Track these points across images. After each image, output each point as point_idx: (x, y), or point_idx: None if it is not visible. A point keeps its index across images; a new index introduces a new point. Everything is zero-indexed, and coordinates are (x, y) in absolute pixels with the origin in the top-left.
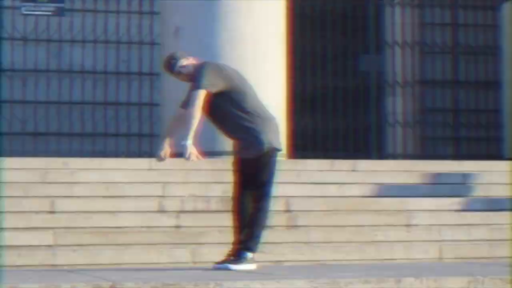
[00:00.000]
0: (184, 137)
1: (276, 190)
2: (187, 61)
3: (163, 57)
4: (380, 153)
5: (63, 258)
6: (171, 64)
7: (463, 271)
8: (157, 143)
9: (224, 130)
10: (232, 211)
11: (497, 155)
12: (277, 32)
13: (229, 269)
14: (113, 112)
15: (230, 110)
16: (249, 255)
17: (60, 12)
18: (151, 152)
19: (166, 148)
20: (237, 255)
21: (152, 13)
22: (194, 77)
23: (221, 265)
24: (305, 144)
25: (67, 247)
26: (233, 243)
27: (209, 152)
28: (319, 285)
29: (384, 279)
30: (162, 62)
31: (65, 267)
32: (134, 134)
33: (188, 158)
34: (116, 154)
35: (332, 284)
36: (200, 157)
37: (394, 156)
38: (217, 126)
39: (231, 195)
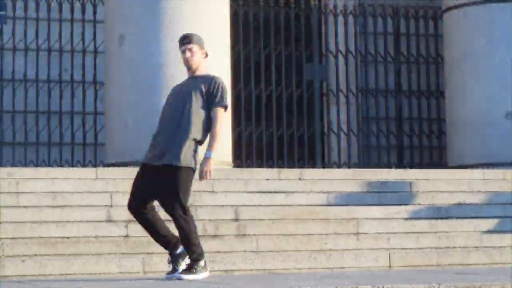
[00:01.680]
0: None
1: (225, 199)
2: (202, 52)
3: (107, 65)
4: (325, 162)
5: (12, 269)
6: (196, 38)
7: (417, 279)
8: (102, 151)
9: None
10: None
11: (439, 163)
12: (221, 40)
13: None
14: (57, 121)
15: None
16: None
17: (1, 20)
18: (96, 161)
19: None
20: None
21: (95, 21)
22: (219, 92)
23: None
24: (250, 153)
25: (15, 257)
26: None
27: None
28: None
29: None
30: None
31: (14, 278)
32: (79, 143)
33: (205, 174)
34: (60, 163)
35: None
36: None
37: (339, 165)
38: None
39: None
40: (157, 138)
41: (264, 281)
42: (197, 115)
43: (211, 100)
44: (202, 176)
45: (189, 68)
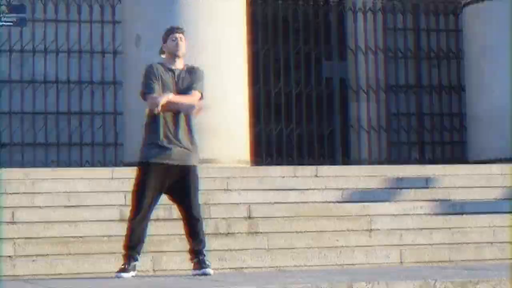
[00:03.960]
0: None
1: (239, 197)
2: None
3: (125, 65)
4: (345, 159)
5: (23, 269)
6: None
7: (417, 275)
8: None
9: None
10: None
11: (461, 159)
12: (239, 39)
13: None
14: (77, 122)
15: None
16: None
17: (21, 23)
18: (116, 161)
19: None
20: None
21: (113, 22)
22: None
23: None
24: (270, 151)
25: (27, 257)
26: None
27: None
28: None
29: (335, 284)
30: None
31: (26, 278)
32: (99, 143)
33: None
34: (80, 163)
35: None
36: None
37: (359, 162)
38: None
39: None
40: None
41: (265, 278)
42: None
43: None
44: None
45: (177, 54)
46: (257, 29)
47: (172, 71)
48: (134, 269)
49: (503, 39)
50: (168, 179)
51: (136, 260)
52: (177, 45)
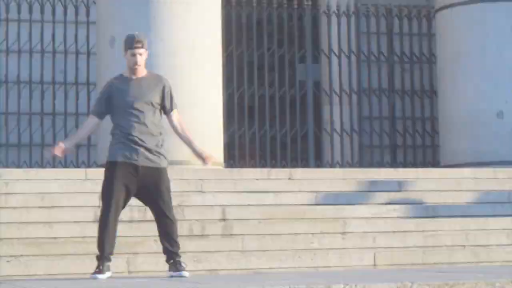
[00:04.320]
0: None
1: (213, 199)
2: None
3: (99, 66)
4: (318, 162)
5: None
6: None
7: (393, 278)
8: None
9: None
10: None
11: (433, 162)
12: (214, 41)
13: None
14: (50, 122)
15: None
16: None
17: None
18: (89, 162)
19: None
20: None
21: (88, 22)
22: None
23: None
24: (243, 153)
25: (0, 258)
26: None
27: None
28: None
29: (313, 286)
30: (141, 36)
31: (0, 278)
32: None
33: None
34: (53, 164)
35: None
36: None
37: (332, 165)
38: None
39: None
40: None
41: (241, 280)
42: None
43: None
44: None
45: (134, 71)
46: (231, 32)
47: (134, 79)
48: (108, 269)
49: (475, 44)
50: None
51: (109, 260)
52: (134, 62)
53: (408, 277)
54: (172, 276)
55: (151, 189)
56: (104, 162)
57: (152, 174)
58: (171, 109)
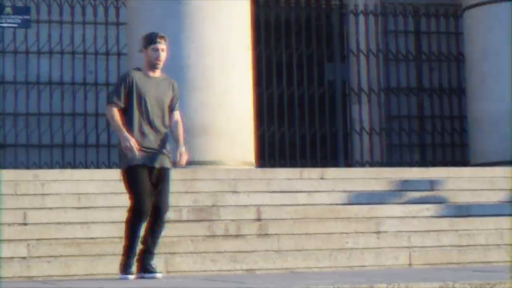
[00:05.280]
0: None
1: (247, 199)
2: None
3: (130, 67)
4: (347, 161)
5: (38, 269)
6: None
7: (434, 277)
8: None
9: None
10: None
11: (462, 161)
12: (243, 41)
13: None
14: (82, 123)
15: None
16: None
17: (26, 24)
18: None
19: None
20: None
21: (118, 23)
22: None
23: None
24: (273, 153)
25: (40, 258)
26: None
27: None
28: None
29: (357, 286)
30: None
31: (40, 279)
32: (103, 144)
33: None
34: (85, 165)
35: None
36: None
37: (361, 164)
38: None
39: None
40: None
41: (282, 280)
42: None
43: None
44: None
45: (156, 66)
46: (260, 32)
47: (153, 78)
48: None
49: (504, 42)
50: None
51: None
52: (158, 57)
53: (448, 276)
54: (145, 278)
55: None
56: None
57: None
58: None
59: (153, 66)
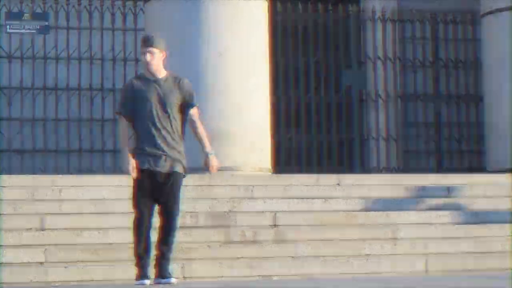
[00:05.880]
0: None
1: (264, 205)
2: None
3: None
4: (364, 167)
5: (55, 275)
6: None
7: (450, 284)
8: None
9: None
10: None
11: (479, 168)
12: (261, 48)
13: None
14: (99, 129)
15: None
16: None
17: (44, 30)
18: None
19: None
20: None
21: (136, 29)
22: (192, 94)
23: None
24: (289, 159)
25: (58, 264)
26: None
27: (194, 168)
28: None
29: None
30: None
31: (57, 284)
32: (120, 150)
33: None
34: (102, 170)
35: None
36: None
37: (378, 170)
38: None
39: None
40: None
41: (300, 286)
42: None
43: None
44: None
45: (149, 69)
46: (277, 38)
47: (154, 81)
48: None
49: None
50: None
51: (149, 265)
52: (146, 62)
53: (464, 283)
54: (160, 283)
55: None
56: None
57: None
58: (192, 106)
59: (147, 69)
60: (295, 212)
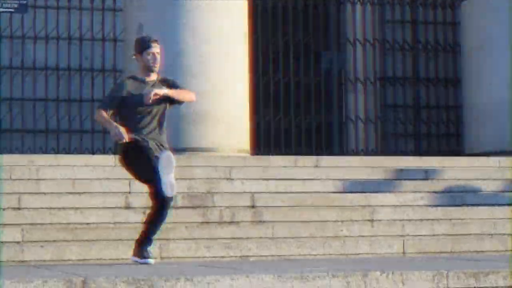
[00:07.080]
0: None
1: (242, 186)
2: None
3: (126, 53)
4: (343, 149)
5: (31, 254)
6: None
7: (428, 265)
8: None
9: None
10: None
11: (457, 151)
12: (240, 29)
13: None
14: (77, 109)
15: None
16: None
17: (23, 9)
18: (116, 149)
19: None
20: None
21: (114, 9)
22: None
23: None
24: (268, 140)
25: (34, 243)
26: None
27: (172, 149)
28: (288, 279)
29: (351, 273)
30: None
31: (33, 263)
32: (98, 130)
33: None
34: (80, 151)
35: (300, 279)
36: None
37: (356, 152)
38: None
39: None
40: None
41: (276, 266)
42: None
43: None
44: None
45: (153, 70)
46: (257, 20)
47: (146, 83)
48: None
49: (502, 32)
50: None
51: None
52: (154, 61)
53: (442, 265)
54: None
55: None
56: None
57: None
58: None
59: (150, 70)
60: (273, 193)
